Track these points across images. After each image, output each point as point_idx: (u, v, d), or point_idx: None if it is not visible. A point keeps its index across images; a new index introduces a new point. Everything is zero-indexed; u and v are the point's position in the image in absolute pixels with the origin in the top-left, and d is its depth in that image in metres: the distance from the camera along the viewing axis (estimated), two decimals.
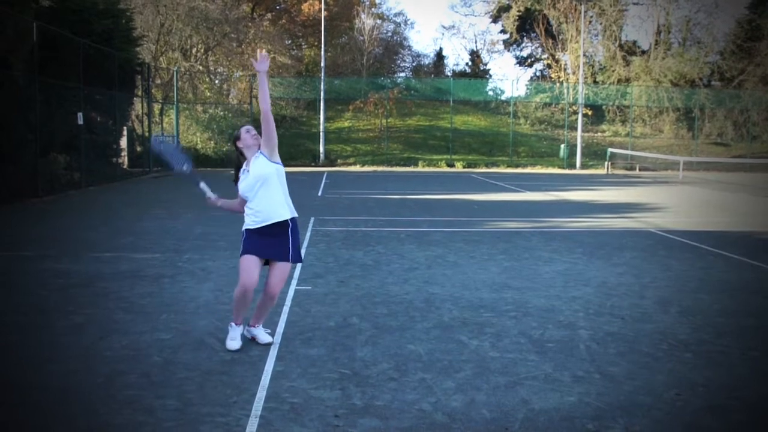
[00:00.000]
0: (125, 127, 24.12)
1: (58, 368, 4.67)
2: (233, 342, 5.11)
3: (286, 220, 5.06)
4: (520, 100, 41.39)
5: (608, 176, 29.37)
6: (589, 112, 38.11)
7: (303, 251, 9.26)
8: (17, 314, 6.04)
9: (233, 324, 5.19)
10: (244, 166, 5.14)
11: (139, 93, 25.44)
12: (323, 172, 27.53)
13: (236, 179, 5.18)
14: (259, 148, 5.09)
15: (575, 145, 34.59)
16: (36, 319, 5.84)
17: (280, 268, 5.11)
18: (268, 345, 5.17)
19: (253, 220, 5.06)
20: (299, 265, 8.28)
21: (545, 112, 40.96)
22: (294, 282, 7.38)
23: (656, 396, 4.32)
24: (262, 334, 5.27)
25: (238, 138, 5.17)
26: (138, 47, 25.32)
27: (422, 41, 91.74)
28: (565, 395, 4.30)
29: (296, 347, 5.16)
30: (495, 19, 51.00)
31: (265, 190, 5.01)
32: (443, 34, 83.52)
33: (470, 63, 52.92)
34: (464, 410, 4.05)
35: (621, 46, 44.19)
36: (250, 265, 5.01)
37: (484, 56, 54.09)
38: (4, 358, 4.95)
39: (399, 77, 46.74)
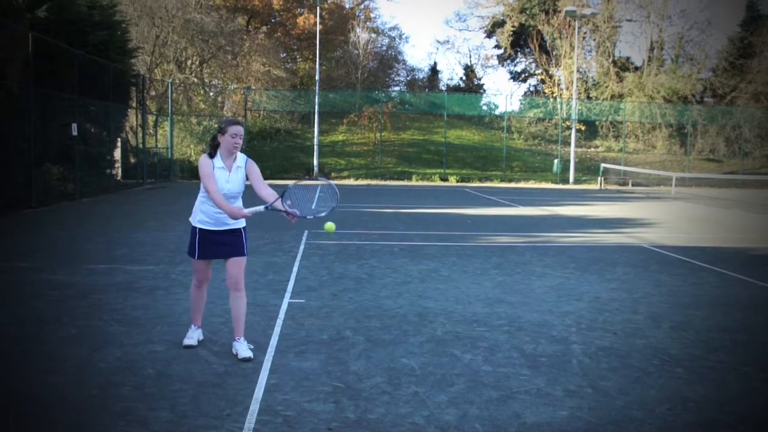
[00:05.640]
0: (119, 139, 24.13)
1: (53, 379, 4.67)
2: None
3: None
4: (514, 115, 41.61)
5: (601, 191, 29.49)
6: (583, 128, 38.35)
7: (296, 264, 9.28)
8: (13, 325, 6.03)
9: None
10: (222, 163, 5.22)
11: (134, 104, 25.47)
12: (317, 186, 27.42)
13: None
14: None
15: (568, 160, 34.73)
16: (32, 330, 5.84)
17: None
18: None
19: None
20: (293, 277, 8.32)
21: (539, 127, 41.16)
22: (287, 295, 7.39)
23: (648, 411, 4.35)
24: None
25: (238, 133, 5.22)
26: (133, 59, 25.37)
27: (417, 55, 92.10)
28: (557, 409, 4.33)
29: (289, 360, 5.17)
30: (489, 34, 51.41)
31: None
32: (438, 48, 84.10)
33: (464, 77, 53.22)
34: (457, 424, 4.06)
35: (614, 62, 44.54)
36: None
37: (479, 71, 54.53)
38: (0, 368, 4.95)
39: (393, 91, 47.02)
